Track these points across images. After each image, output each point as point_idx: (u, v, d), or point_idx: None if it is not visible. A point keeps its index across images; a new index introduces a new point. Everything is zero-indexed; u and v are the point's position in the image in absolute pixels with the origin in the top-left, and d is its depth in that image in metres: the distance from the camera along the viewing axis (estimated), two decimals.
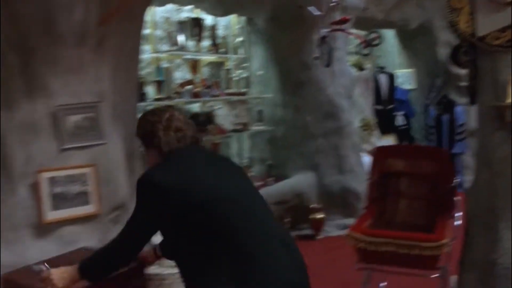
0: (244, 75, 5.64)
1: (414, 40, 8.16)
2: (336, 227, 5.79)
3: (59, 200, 3.09)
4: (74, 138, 3.16)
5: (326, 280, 4.39)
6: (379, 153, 3.62)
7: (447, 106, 7.61)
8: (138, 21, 3.65)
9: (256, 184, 5.61)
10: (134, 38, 3.67)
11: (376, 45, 5.18)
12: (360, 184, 5.86)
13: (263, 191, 5.22)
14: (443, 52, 7.78)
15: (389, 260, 3.02)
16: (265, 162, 5.97)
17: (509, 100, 2.64)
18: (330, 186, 5.84)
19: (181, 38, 4.91)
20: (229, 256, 1.90)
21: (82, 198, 3.15)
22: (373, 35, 5.14)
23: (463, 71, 6.84)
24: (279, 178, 5.88)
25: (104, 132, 3.26)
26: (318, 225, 5.65)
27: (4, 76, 3.02)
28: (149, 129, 2.15)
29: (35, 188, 3.04)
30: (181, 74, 5.49)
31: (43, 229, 3.08)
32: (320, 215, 5.62)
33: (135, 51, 3.73)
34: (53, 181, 3.06)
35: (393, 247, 2.92)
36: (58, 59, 3.06)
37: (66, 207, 3.11)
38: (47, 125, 3.10)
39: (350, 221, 5.78)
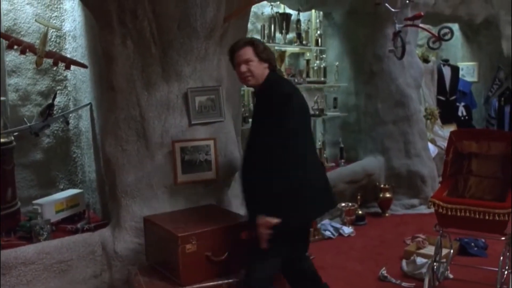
0: (322, 65, 6.16)
1: (478, 34, 8.45)
2: (402, 207, 6.25)
3: (187, 166, 3.71)
4: (200, 115, 3.78)
5: (394, 249, 4.90)
6: (455, 136, 4.01)
7: (510, 98, 7.93)
8: (246, 17, 4.26)
9: (329, 165, 6.16)
10: (243, 32, 4.29)
11: (448, 39, 5.57)
12: (426, 168, 6.33)
13: (336, 171, 5.83)
14: (507, 46, 8.08)
15: (465, 224, 3.50)
16: (337, 145, 6.44)
17: None
18: (397, 169, 6.29)
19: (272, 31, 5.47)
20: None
21: (205, 165, 3.76)
22: (445, 30, 5.52)
23: None
24: (350, 160, 6.41)
25: (222, 111, 3.86)
26: (386, 203, 6.09)
27: (146, 63, 3.66)
28: (269, 52, 3.02)
29: (170, 155, 3.67)
30: None
31: (174, 189, 3.72)
32: (388, 195, 6.06)
33: None
34: (184, 150, 3.69)
35: (470, 213, 3.38)
36: (190, 50, 3.66)
37: (192, 172, 3.72)
38: (179, 104, 3.72)
39: (415, 201, 6.28)
